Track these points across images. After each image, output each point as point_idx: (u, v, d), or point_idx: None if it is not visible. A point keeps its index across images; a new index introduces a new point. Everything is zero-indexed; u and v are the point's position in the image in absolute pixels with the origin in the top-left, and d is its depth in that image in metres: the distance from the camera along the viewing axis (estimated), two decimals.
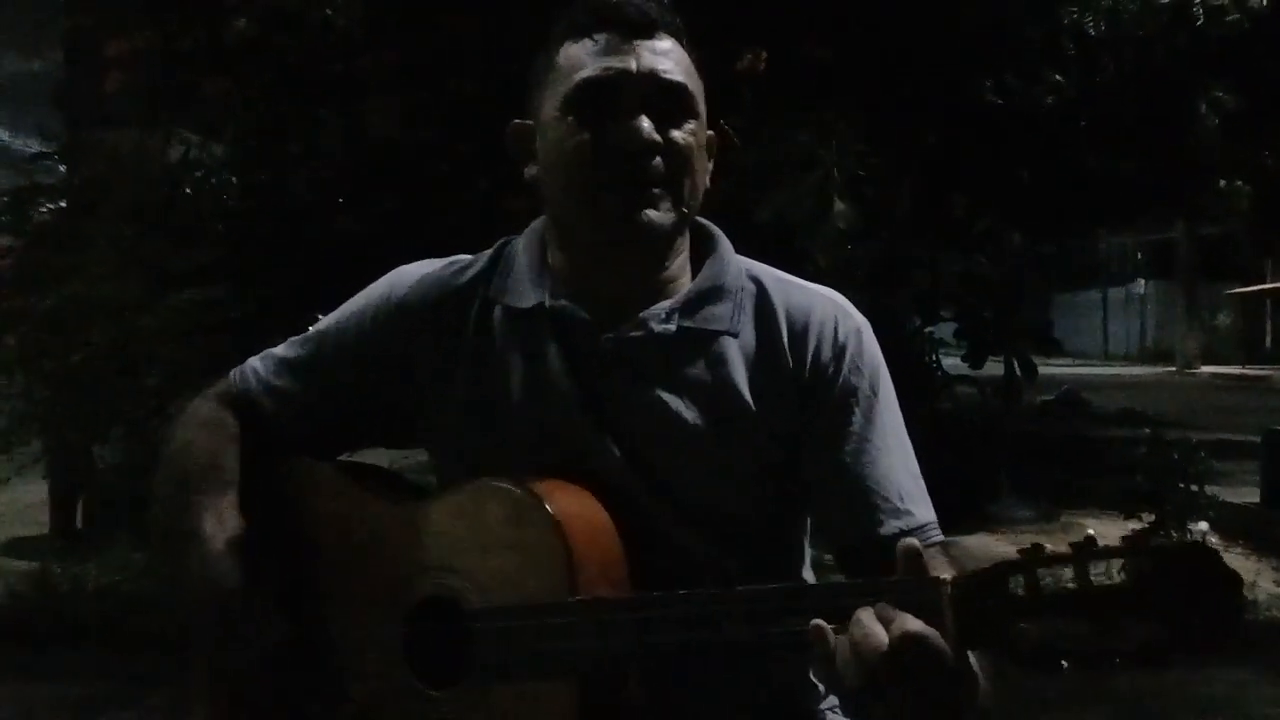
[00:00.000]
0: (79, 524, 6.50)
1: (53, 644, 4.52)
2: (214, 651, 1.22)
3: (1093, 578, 0.89)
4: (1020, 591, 0.91)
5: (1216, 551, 0.90)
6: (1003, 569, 0.93)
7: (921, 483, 1.28)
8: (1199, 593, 0.88)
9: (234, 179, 5.76)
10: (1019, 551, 0.93)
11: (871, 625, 0.96)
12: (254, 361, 1.40)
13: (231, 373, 1.41)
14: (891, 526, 1.23)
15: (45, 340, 5.05)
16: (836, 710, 1.34)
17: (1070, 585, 0.90)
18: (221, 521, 1.25)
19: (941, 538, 1.27)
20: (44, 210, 5.49)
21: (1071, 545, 0.91)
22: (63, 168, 6.19)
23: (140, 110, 5.50)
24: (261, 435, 1.35)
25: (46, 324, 5.01)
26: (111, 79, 5.28)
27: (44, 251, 5.31)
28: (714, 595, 1.05)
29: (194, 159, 5.67)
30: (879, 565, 1.18)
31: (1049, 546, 0.92)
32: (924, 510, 1.26)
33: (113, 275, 4.93)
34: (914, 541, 1.03)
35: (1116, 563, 0.90)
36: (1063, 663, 0.90)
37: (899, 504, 1.24)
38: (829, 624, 0.99)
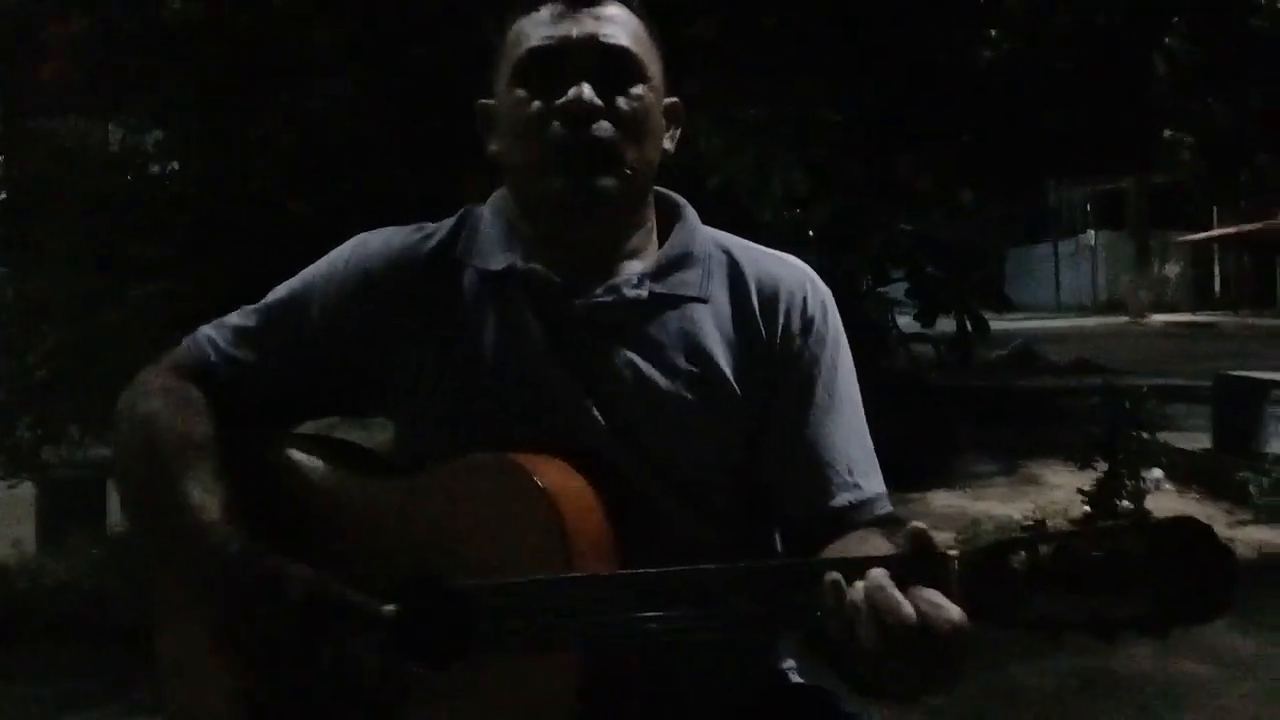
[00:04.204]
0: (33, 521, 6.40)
1: (11, 643, 4.45)
2: (236, 618, 1.16)
3: (1092, 553, 0.92)
4: (1021, 566, 0.94)
5: (1209, 526, 0.92)
6: (1005, 545, 0.95)
7: (873, 455, 1.30)
8: (1192, 566, 0.91)
9: (177, 165, 5.66)
10: (1021, 528, 0.96)
11: (895, 593, 0.96)
12: (207, 330, 1.36)
13: (184, 341, 1.37)
14: (841, 499, 1.25)
15: None
16: (794, 671, 1.35)
17: (1070, 560, 0.92)
18: (209, 490, 1.22)
19: (889, 510, 1.28)
20: None
21: (1072, 521, 0.94)
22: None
23: (80, 98, 5.39)
24: (221, 406, 1.31)
25: None
26: (49, 66, 5.16)
27: None
28: (716, 570, 1.05)
29: (134, 145, 5.56)
30: (825, 537, 1.20)
31: (1050, 523, 0.95)
32: (873, 483, 1.27)
33: (65, 270, 4.82)
34: (920, 525, 1.03)
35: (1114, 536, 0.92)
36: (1062, 634, 0.92)
37: (848, 477, 1.26)
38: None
